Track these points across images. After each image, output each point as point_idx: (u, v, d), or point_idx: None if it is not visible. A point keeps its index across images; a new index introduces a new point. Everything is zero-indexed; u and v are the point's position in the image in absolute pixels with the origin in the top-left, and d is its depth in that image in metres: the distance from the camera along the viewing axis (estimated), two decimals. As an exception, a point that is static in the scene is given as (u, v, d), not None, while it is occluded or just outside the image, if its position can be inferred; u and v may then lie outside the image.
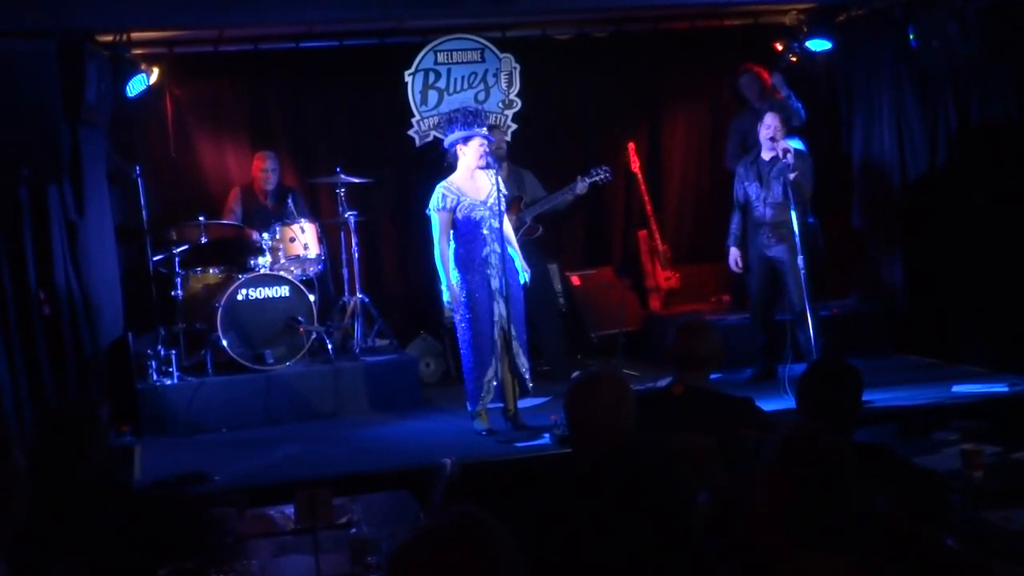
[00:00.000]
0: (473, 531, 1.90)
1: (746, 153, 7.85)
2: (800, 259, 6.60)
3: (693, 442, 3.85)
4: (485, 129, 6.35)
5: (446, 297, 6.27)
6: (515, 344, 6.23)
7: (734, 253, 7.24)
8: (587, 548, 3.14)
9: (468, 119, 6.35)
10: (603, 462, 3.23)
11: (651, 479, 3.25)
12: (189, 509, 3.64)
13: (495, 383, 6.25)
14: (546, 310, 7.64)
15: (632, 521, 3.11)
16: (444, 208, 6.20)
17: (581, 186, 7.57)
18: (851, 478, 2.29)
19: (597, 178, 7.63)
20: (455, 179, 6.29)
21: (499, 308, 6.19)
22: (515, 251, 6.39)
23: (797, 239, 6.60)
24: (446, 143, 6.53)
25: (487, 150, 6.25)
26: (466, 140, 6.27)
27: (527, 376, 6.33)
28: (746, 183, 7.08)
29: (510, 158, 7.78)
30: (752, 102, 8.19)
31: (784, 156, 6.69)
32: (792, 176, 6.67)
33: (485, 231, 6.20)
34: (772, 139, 6.82)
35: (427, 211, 6.30)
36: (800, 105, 7.78)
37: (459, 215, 6.20)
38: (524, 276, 6.39)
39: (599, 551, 3.12)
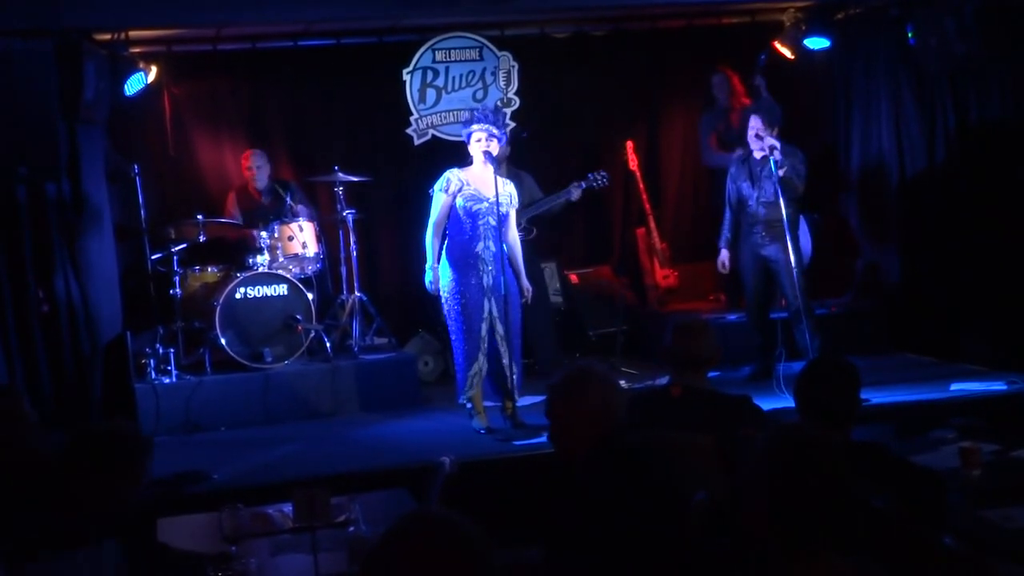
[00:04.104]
0: (438, 531, 1.92)
1: (722, 146, 7.92)
2: (793, 257, 6.62)
3: (691, 441, 3.85)
4: (489, 125, 6.27)
5: (428, 278, 6.27)
6: (506, 344, 6.22)
7: (723, 255, 7.24)
8: (581, 546, 3.15)
9: (481, 116, 6.32)
10: (593, 460, 3.23)
11: (643, 476, 3.25)
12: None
13: (482, 377, 6.26)
14: (538, 309, 7.61)
15: (625, 519, 3.11)
16: (445, 191, 6.22)
17: (576, 192, 7.58)
18: (842, 476, 2.29)
19: (594, 183, 7.64)
20: (467, 168, 6.31)
21: (489, 304, 6.19)
22: (520, 269, 6.40)
23: (788, 237, 6.61)
24: (463, 136, 6.50)
25: (486, 148, 6.22)
26: (468, 135, 6.28)
27: (516, 380, 6.32)
28: (739, 182, 7.09)
29: (509, 160, 7.76)
30: (720, 102, 8.33)
31: (771, 153, 6.70)
32: (781, 173, 6.67)
33: (482, 226, 6.20)
34: (758, 136, 6.82)
35: (430, 191, 6.32)
36: (778, 109, 7.80)
37: (458, 203, 6.20)
38: (525, 296, 6.41)
39: (593, 549, 3.12)
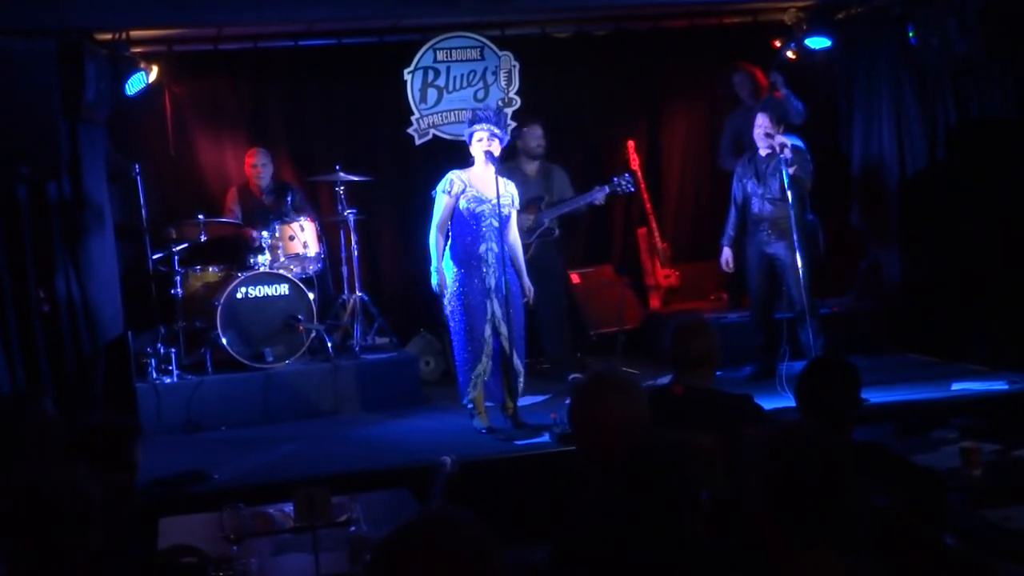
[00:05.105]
0: (447, 529, 1.91)
1: (739, 152, 7.89)
2: (799, 256, 6.61)
3: (693, 440, 3.84)
4: (491, 125, 6.25)
5: (434, 280, 6.26)
6: (508, 344, 6.22)
7: (726, 253, 7.24)
8: (590, 548, 3.14)
9: (483, 116, 6.31)
10: (617, 465, 3.22)
11: (669, 477, 3.24)
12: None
13: (485, 378, 6.26)
14: (552, 310, 7.60)
15: (640, 523, 3.10)
16: (448, 192, 6.22)
17: (600, 196, 7.48)
18: (844, 474, 2.28)
19: (618, 188, 7.49)
20: (469, 169, 6.31)
21: (492, 306, 6.19)
22: (521, 269, 6.39)
23: (795, 236, 6.61)
24: (464, 136, 6.50)
25: (488, 148, 6.21)
26: (471, 135, 6.28)
27: (520, 379, 6.32)
28: (744, 180, 7.09)
29: (544, 156, 7.71)
30: (745, 100, 8.24)
31: (781, 151, 6.69)
32: (791, 171, 6.67)
33: (485, 228, 6.20)
34: (767, 135, 6.82)
35: (432, 192, 6.31)
36: (800, 104, 7.79)
37: (462, 204, 6.20)
38: (527, 296, 6.40)
39: (601, 551, 3.11)
